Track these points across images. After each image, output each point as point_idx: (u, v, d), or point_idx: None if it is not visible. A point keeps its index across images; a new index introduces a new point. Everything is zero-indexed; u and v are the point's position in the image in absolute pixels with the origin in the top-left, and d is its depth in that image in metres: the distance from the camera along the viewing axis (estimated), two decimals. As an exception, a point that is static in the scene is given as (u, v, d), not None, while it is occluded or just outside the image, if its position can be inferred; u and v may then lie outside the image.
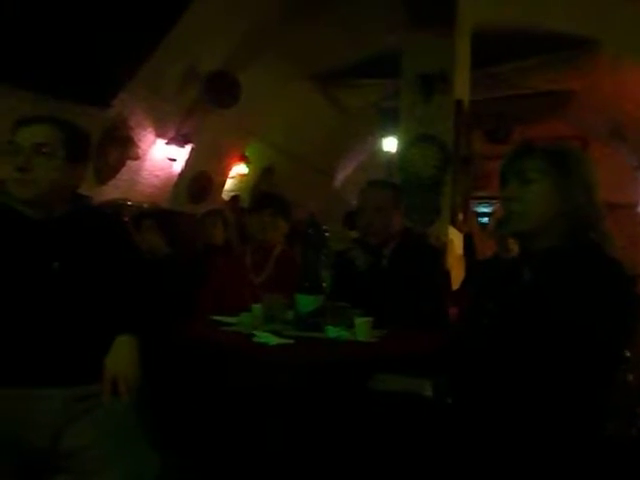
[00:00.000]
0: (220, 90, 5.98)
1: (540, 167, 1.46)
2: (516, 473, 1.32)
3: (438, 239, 4.88)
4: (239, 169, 7.80)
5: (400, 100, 5.48)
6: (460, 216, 5.45)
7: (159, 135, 6.28)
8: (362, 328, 1.88)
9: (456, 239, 5.34)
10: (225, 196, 7.87)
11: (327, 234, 2.08)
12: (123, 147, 5.86)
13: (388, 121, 7.16)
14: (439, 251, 2.62)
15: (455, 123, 5.21)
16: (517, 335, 1.42)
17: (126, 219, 5.28)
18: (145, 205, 6.15)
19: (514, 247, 4.01)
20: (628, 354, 1.41)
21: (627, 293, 1.36)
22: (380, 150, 8.42)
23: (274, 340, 1.75)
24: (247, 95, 6.36)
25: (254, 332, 1.84)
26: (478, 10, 5.37)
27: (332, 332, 1.89)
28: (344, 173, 10.45)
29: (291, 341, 1.76)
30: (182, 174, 6.84)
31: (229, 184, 7.93)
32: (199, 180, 7.13)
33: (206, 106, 6.24)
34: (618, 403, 1.38)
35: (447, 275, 3.79)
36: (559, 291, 1.37)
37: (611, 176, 8.81)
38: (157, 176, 6.60)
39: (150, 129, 6.16)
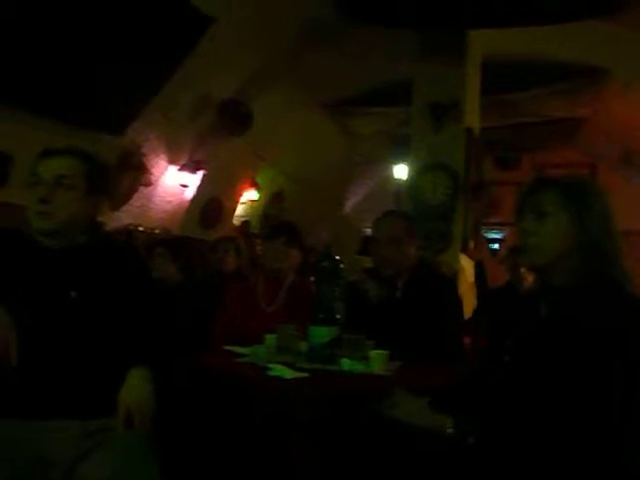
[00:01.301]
0: (232, 118, 6.07)
1: (556, 200, 1.46)
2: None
3: (449, 267, 4.87)
4: (250, 195, 7.86)
5: (411, 128, 5.51)
6: (471, 243, 5.44)
7: (172, 162, 6.35)
8: (377, 361, 1.87)
9: (467, 266, 5.32)
10: (236, 222, 7.91)
11: (342, 265, 2.08)
12: (136, 174, 5.93)
13: (399, 148, 7.21)
14: (452, 281, 2.61)
15: (465, 151, 5.23)
16: (534, 374, 1.41)
17: (137, 244, 5.33)
18: (157, 231, 6.20)
19: (527, 275, 3.99)
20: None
21: None
22: (390, 177, 8.46)
23: (289, 373, 1.74)
24: (259, 122, 6.44)
25: (268, 365, 1.83)
26: (488, 40, 5.43)
27: (346, 365, 1.88)
28: (354, 200, 10.48)
29: (306, 374, 1.75)
30: (194, 200, 6.89)
31: (240, 210, 7.98)
32: (210, 206, 7.18)
33: (218, 133, 6.32)
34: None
35: (460, 304, 3.76)
36: (577, 330, 1.35)
37: (622, 202, 8.81)
38: (169, 202, 6.66)
39: (163, 156, 6.24)
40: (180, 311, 2.98)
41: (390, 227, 2.42)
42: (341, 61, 6.45)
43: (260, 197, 8.01)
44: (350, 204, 10.52)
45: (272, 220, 7.50)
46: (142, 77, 5.02)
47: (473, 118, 5.54)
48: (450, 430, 1.45)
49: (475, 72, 5.53)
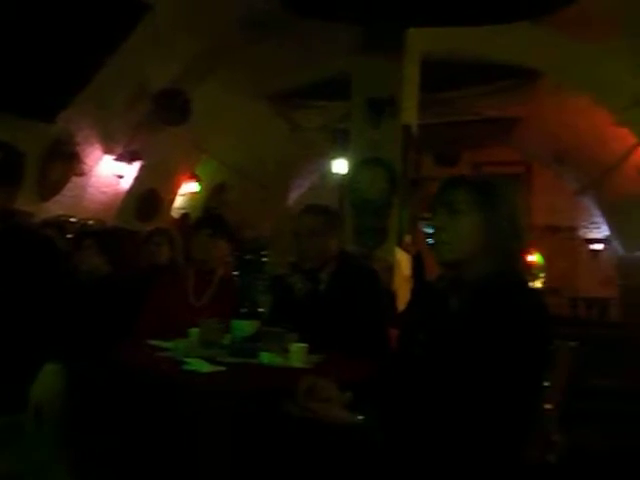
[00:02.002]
0: (170, 107, 5.93)
1: (467, 200, 1.49)
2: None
3: (385, 261, 4.93)
4: (189, 187, 7.73)
5: (350, 123, 5.55)
6: (407, 238, 5.53)
7: (107, 151, 6.17)
8: (297, 354, 1.88)
9: (403, 260, 5.41)
10: (175, 214, 7.77)
11: (265, 259, 2.07)
12: (68, 163, 5.73)
13: (340, 143, 7.24)
14: (375, 274, 2.63)
15: (403, 147, 5.30)
16: (446, 367, 1.44)
17: (69, 236, 5.15)
18: (90, 222, 6.01)
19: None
20: (546, 384, 1.44)
21: (546, 327, 1.40)
22: (331, 171, 8.51)
23: (206, 367, 1.72)
24: (199, 112, 6.32)
25: (186, 359, 1.80)
26: (427, 37, 5.52)
27: (266, 358, 1.87)
28: (297, 193, 10.48)
29: (223, 368, 1.74)
30: (130, 191, 6.72)
31: (179, 202, 7.85)
32: (148, 198, 7.02)
33: (156, 123, 6.18)
34: (537, 431, 1.41)
35: (392, 296, 3.81)
36: (483, 325, 1.39)
37: (554, 200, 9.24)
38: (104, 193, 6.47)
39: (97, 145, 6.05)
40: (107, 304, 2.91)
41: (310, 221, 2.44)
42: (284, 53, 6.42)
43: (201, 189, 7.89)
44: (294, 197, 10.52)
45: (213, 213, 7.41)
46: (74, 64, 4.85)
47: (411, 115, 5.62)
48: (360, 423, 1.46)
49: (414, 69, 5.60)
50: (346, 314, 2.34)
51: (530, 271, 8.94)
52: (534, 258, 9.14)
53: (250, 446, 1.64)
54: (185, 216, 7.68)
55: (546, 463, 1.42)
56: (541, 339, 1.37)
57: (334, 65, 6.22)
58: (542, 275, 8.98)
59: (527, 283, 1.48)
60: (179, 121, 6.11)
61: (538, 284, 8.99)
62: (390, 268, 5.04)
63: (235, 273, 2.53)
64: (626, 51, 4.83)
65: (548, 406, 1.47)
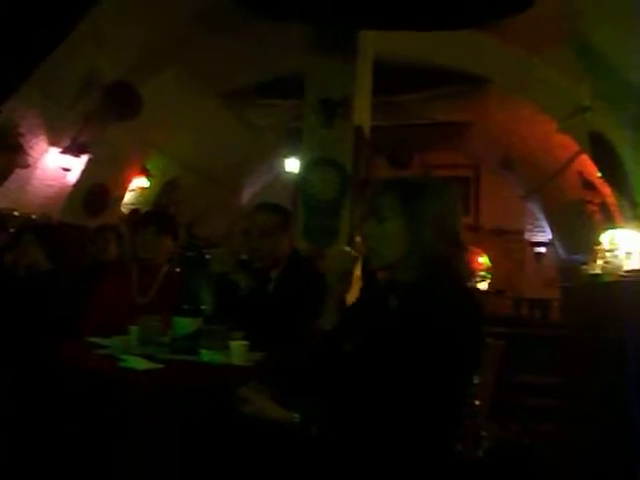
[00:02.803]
0: (120, 101, 5.82)
1: (393, 206, 1.52)
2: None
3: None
4: (139, 182, 7.59)
5: (302, 122, 5.56)
6: (358, 238, 5.59)
7: (53, 143, 5.99)
8: (237, 351, 1.88)
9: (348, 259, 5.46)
10: (124, 210, 7.62)
11: (208, 256, 2.06)
12: (11, 154, 5.54)
13: (293, 142, 7.25)
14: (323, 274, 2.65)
15: (355, 148, 5.35)
16: (375, 363, 1.48)
17: (12, 230, 4.99)
18: (34, 216, 5.84)
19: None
20: (476, 380, 1.49)
21: (473, 326, 1.45)
22: (284, 170, 8.51)
23: (143, 365, 1.71)
24: (150, 107, 6.22)
25: (123, 356, 1.78)
26: (380, 40, 5.59)
27: (206, 356, 1.87)
28: (251, 191, 10.43)
29: (161, 365, 1.73)
30: (77, 185, 6.55)
31: (129, 197, 7.70)
32: (95, 192, 6.86)
33: (105, 116, 6.05)
34: (466, 426, 1.46)
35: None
36: (411, 324, 1.43)
37: (501, 204, 9.49)
38: (50, 186, 6.29)
39: (43, 137, 5.88)
40: (45, 300, 2.84)
41: (262, 219, 2.44)
42: (238, 50, 6.38)
43: (152, 185, 7.77)
44: (248, 195, 10.47)
45: (164, 209, 7.31)
46: (18, 52, 4.69)
47: (363, 116, 5.68)
48: (297, 421, 1.48)
49: (366, 71, 5.67)
50: (293, 314, 2.35)
51: (477, 273, 9.18)
52: (482, 260, 9.39)
53: (187, 443, 1.64)
54: (135, 212, 7.53)
55: (475, 457, 1.47)
56: (466, 338, 1.41)
57: (288, 64, 6.22)
58: (489, 276, 9.23)
59: (458, 284, 1.52)
60: (130, 115, 6.01)
61: (484, 285, 9.24)
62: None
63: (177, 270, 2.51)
64: (568, 61, 5.01)
65: (477, 402, 1.52)
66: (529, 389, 3.76)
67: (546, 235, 9.25)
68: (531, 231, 9.41)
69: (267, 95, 7.02)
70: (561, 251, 8.77)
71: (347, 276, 1.84)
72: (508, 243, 9.31)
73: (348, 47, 5.29)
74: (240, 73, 6.84)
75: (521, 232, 9.44)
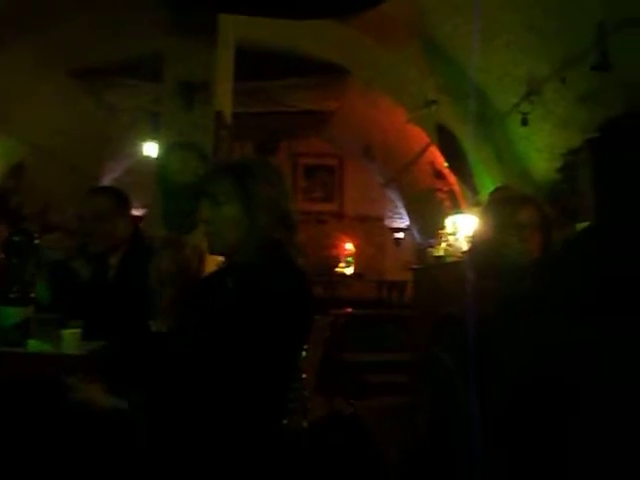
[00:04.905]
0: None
1: (227, 190, 1.54)
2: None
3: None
4: (-19, 165, 6.96)
5: (162, 106, 5.40)
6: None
7: None
8: (69, 340, 1.81)
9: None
10: (-36, 194, 6.94)
11: (37, 242, 1.95)
12: None
13: (154, 126, 7.02)
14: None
15: (215, 133, 5.29)
16: (212, 340, 1.50)
17: None
18: None
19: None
20: (304, 354, 1.57)
21: (303, 303, 1.52)
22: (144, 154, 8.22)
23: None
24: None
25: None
26: (242, 25, 5.55)
27: (34, 346, 1.78)
28: (112, 176, 9.95)
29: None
30: None
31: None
32: None
33: None
34: (294, 399, 1.53)
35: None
36: (248, 303, 1.47)
37: (364, 192, 9.87)
38: None
39: None
40: None
41: (95, 203, 2.36)
42: (93, 27, 6.03)
43: (-5, 168, 7.14)
44: (108, 179, 9.96)
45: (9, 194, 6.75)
46: None
47: (225, 101, 5.62)
48: (125, 408, 1.46)
49: (227, 55, 5.61)
50: (134, 299, 2.29)
51: (343, 258, 9.53)
52: (347, 246, 9.73)
53: (12, 436, 1.56)
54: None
55: (301, 428, 1.54)
56: (295, 315, 1.48)
57: (146, 44, 5.98)
58: (352, 261, 9.59)
59: (290, 265, 1.57)
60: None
61: (349, 270, 9.59)
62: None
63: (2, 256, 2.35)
64: (418, 56, 5.31)
65: (305, 375, 1.60)
66: (379, 366, 3.99)
67: (404, 221, 9.79)
68: (391, 217, 9.91)
69: (124, 75, 6.72)
70: (417, 236, 9.34)
71: (178, 276, 1.84)
72: (370, 229, 9.73)
73: (208, 30, 5.18)
74: (96, 52, 6.48)
75: (382, 218, 9.91)
